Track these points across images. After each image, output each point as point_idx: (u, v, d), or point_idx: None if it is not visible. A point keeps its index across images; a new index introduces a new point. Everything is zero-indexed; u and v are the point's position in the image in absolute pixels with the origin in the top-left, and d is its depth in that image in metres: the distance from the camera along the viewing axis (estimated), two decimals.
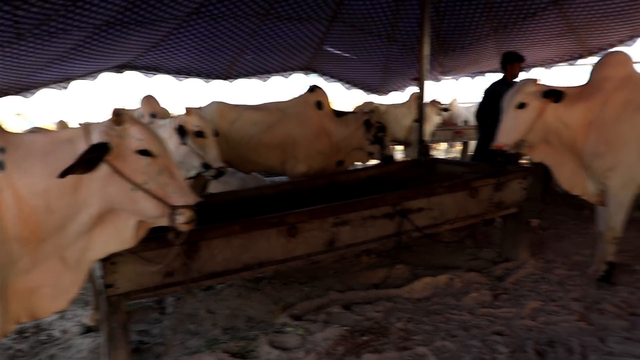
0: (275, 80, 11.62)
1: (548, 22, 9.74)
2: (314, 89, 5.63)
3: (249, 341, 3.54)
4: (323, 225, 3.67)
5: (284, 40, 9.83)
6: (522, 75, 6.40)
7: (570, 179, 4.18)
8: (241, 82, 11.28)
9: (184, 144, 4.26)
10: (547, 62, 11.60)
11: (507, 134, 3.91)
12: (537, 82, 3.96)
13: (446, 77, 12.00)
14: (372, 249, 4.92)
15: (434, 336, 3.48)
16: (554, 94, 3.83)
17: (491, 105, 5.69)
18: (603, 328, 3.47)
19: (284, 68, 11.42)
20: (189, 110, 4.40)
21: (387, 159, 5.52)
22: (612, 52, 4.20)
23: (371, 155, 5.57)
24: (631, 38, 10.23)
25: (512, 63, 6.40)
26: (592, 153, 3.91)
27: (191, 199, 2.60)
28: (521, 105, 3.89)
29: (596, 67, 4.09)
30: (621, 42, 10.31)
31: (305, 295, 4.30)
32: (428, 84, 11.14)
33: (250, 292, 4.39)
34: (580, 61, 11.15)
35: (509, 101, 3.97)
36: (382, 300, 4.04)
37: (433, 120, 10.28)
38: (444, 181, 5.06)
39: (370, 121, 5.44)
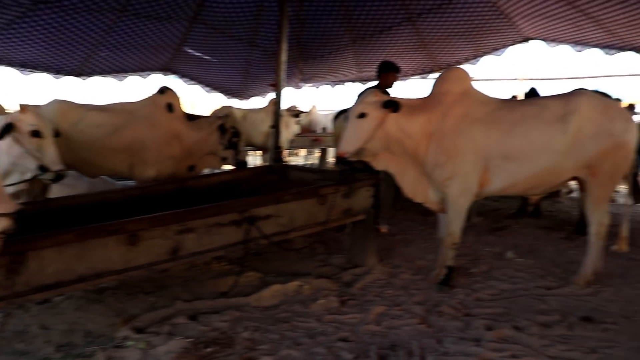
0: (133, 80, 11.15)
1: (403, 37, 10.23)
2: (164, 90, 5.40)
3: (84, 358, 3.29)
4: (166, 233, 3.51)
5: (142, 39, 9.44)
6: (396, 86, 6.59)
7: (413, 187, 4.39)
8: (96, 80, 10.69)
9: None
10: (402, 75, 12.12)
11: (348, 142, 4.08)
12: (377, 93, 4.13)
13: (307, 84, 12.17)
14: (223, 256, 4.82)
15: (280, 345, 3.44)
16: (392, 105, 4.02)
17: None
18: (441, 330, 3.64)
19: (142, 68, 10.98)
20: (24, 108, 4.02)
21: (241, 164, 5.45)
22: (452, 68, 4.48)
23: (225, 161, 5.48)
24: (475, 57, 11.05)
25: (387, 72, 6.42)
26: (433, 163, 4.14)
27: (8, 206, 2.36)
28: (361, 115, 4.07)
29: (437, 82, 4.33)
30: (467, 60, 11.09)
31: (150, 305, 4.09)
32: (288, 91, 11.29)
33: (90, 304, 4.09)
34: (431, 75, 11.85)
35: (352, 111, 4.11)
36: (230, 309, 3.95)
37: (291, 127, 10.35)
38: (295, 188, 5.13)
39: (225, 126, 5.35)
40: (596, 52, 10.00)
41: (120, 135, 5.22)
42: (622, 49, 9.68)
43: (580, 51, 10.15)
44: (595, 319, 3.76)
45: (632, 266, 5.08)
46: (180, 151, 5.32)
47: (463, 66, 8.61)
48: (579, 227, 6.36)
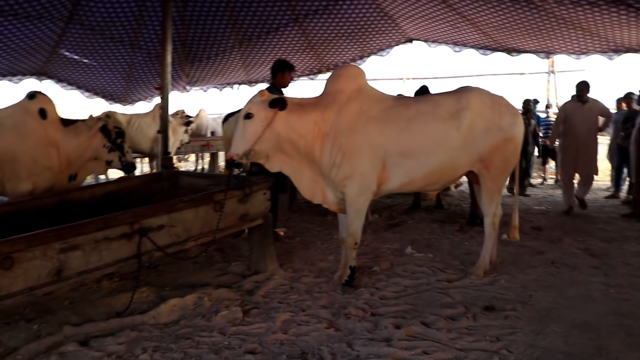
0: (3, 85, 10.29)
1: (290, 38, 10.16)
2: (34, 95, 4.85)
3: None
4: (47, 253, 3.14)
5: (10, 39, 8.65)
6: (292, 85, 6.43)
7: (310, 188, 4.27)
8: None
9: None
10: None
11: (236, 145, 3.95)
12: (263, 93, 4.01)
13: (194, 88, 11.78)
14: (114, 272, 4.44)
15: None
16: (278, 103, 3.91)
17: None
18: (350, 332, 3.53)
19: (12, 72, 10.11)
20: None
21: (128, 167, 5.06)
22: (346, 65, 4.42)
23: (110, 165, 5.02)
24: (361, 57, 11.22)
25: (283, 71, 6.24)
26: (329, 162, 4.04)
27: None
28: (248, 116, 3.95)
29: (330, 80, 4.25)
30: (353, 60, 11.24)
31: (34, 334, 3.65)
32: (175, 94, 10.83)
33: None
34: (320, 76, 11.90)
35: (241, 113, 4.00)
36: (126, 330, 3.60)
37: (179, 132, 9.97)
38: (187, 195, 4.85)
39: (108, 127, 4.94)
40: (473, 52, 10.50)
41: None
42: (495, 49, 10.22)
43: (458, 52, 10.61)
44: (496, 307, 3.84)
45: (522, 253, 5.31)
46: (58, 160, 4.84)
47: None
48: (471, 218, 6.60)
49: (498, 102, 4.30)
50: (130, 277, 4.60)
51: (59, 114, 4.96)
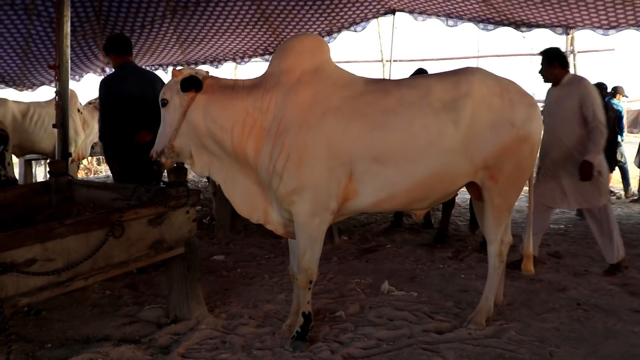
0: None
1: (237, 7, 9.67)
2: None
3: None
4: None
5: None
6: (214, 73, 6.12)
7: (246, 202, 3.82)
8: None
9: None
10: (239, 56, 11.68)
11: (157, 140, 3.69)
12: (180, 72, 3.62)
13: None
14: None
15: None
16: (192, 84, 3.50)
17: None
18: None
19: None
20: None
21: (8, 183, 4.46)
22: (298, 35, 3.95)
23: None
24: (329, 34, 10.82)
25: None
26: (269, 169, 3.54)
27: None
28: (163, 103, 3.64)
29: (277, 54, 3.76)
30: (319, 36, 10.78)
31: None
32: (91, 78, 10.26)
33: None
34: None
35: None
36: None
37: (92, 126, 9.41)
38: (83, 213, 4.33)
39: None
40: (471, 27, 10.17)
41: None
42: (499, 23, 9.90)
43: (452, 26, 10.28)
44: None
45: (537, 290, 4.92)
46: None
47: None
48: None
49: (508, 89, 3.85)
50: None
51: None
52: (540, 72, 5.59)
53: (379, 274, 5.31)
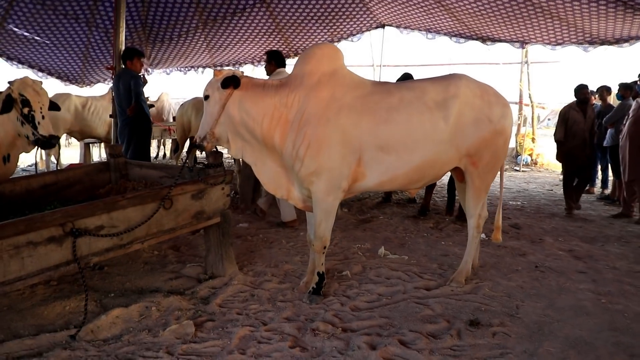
0: None
1: (257, 20, 9.57)
2: None
3: None
4: None
5: None
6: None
7: (272, 180, 3.72)
8: None
9: None
10: (257, 60, 11.53)
11: (201, 127, 3.61)
12: (221, 72, 3.51)
13: (156, 70, 11.06)
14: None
15: None
16: (230, 82, 3.43)
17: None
18: (318, 353, 2.97)
19: None
20: None
21: (43, 142, 3.96)
22: (319, 44, 3.84)
23: (31, 142, 3.99)
24: (331, 42, 10.67)
25: (131, 59, 6.28)
26: (292, 155, 3.47)
27: None
28: (206, 97, 3.56)
29: (300, 59, 3.66)
30: None
31: None
32: None
33: None
34: (288, 61, 11.30)
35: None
36: (57, 349, 3.00)
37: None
38: (137, 187, 4.25)
39: (12, 96, 3.92)
40: (446, 40, 10.04)
41: None
42: (469, 37, 9.79)
43: (431, 39, 10.15)
44: (482, 322, 3.34)
45: (503, 254, 4.86)
46: None
47: None
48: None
49: (487, 92, 3.77)
50: (70, 280, 4.01)
51: None
52: None
53: (375, 240, 5.24)
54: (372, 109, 3.49)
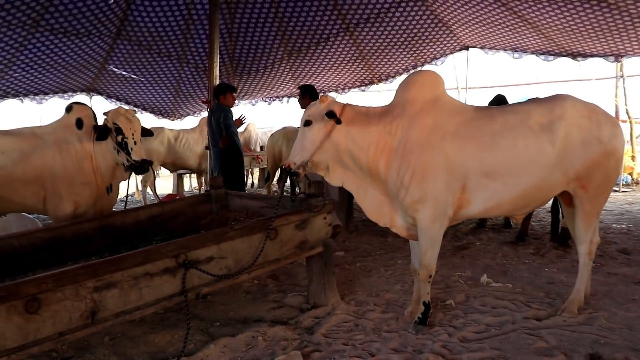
0: (54, 102, 10.23)
1: (340, 48, 9.70)
2: (71, 107, 4.37)
3: None
4: (79, 293, 2.66)
5: (60, 57, 8.51)
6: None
7: (375, 209, 3.68)
8: (10, 103, 9.65)
9: None
10: (341, 87, 11.66)
11: (294, 153, 3.56)
12: (324, 99, 3.54)
13: (242, 101, 11.42)
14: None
15: None
16: (333, 116, 3.44)
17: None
18: None
19: (63, 89, 10.03)
20: None
21: (136, 168, 4.21)
22: (420, 71, 3.82)
23: (125, 168, 4.28)
24: (414, 67, 10.65)
25: (224, 93, 6.56)
26: (397, 182, 3.45)
27: None
28: (307, 123, 3.53)
29: (401, 87, 3.64)
30: (406, 70, 10.69)
31: None
32: None
33: None
34: (371, 87, 11.37)
35: (301, 119, 3.59)
36: None
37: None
38: (239, 218, 4.34)
39: (107, 126, 4.21)
40: (533, 58, 9.77)
41: (29, 164, 4.24)
42: (559, 54, 9.48)
43: (518, 58, 9.91)
44: (604, 356, 3.14)
45: (615, 282, 4.56)
46: (93, 173, 4.33)
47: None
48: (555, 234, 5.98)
49: (595, 112, 3.61)
50: (175, 308, 4.13)
51: (95, 122, 4.45)
52: None
53: (475, 268, 5.08)
54: (475, 134, 3.42)
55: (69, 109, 4.40)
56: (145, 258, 2.91)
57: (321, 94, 5.75)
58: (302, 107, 6.45)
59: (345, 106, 3.53)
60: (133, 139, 4.21)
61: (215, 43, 6.78)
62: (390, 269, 5.13)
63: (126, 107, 10.52)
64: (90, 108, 4.50)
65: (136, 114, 4.44)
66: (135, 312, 2.93)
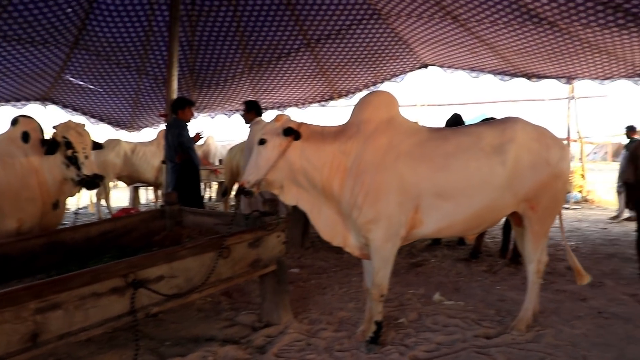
0: (6, 110, 9.98)
1: (301, 64, 9.75)
2: (16, 120, 4.23)
3: None
4: (21, 314, 2.57)
5: (14, 65, 8.29)
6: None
7: (329, 228, 3.66)
8: None
9: None
10: (301, 102, 11.70)
11: (249, 171, 3.51)
12: (282, 118, 3.53)
13: (201, 114, 11.34)
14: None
15: None
16: (292, 132, 3.42)
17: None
18: None
19: (16, 97, 9.75)
20: None
21: (87, 182, 4.11)
22: (375, 91, 3.84)
23: (74, 183, 4.16)
24: (374, 84, 10.78)
25: (183, 108, 6.46)
26: (350, 202, 3.45)
27: None
28: (261, 142, 3.49)
29: (357, 107, 3.67)
30: (366, 86, 10.80)
31: None
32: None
33: None
34: (331, 103, 11.44)
35: (255, 137, 3.60)
36: None
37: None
38: (192, 235, 4.30)
39: (56, 139, 4.09)
40: (490, 78, 10.01)
41: None
42: (514, 75, 9.74)
43: (476, 77, 10.13)
44: None
45: (562, 299, 4.68)
46: (38, 188, 4.14)
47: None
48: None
49: (544, 135, 3.71)
50: (125, 327, 4.03)
51: (42, 135, 4.29)
52: None
53: (429, 285, 5.12)
54: (429, 155, 3.47)
55: (14, 121, 4.25)
56: (93, 277, 2.84)
57: (279, 112, 5.77)
58: (246, 122, 6.56)
59: (300, 125, 3.53)
60: (84, 153, 4.12)
61: (175, 55, 6.72)
62: (344, 286, 5.13)
63: (83, 117, 10.40)
64: (37, 121, 4.36)
65: (92, 125, 4.36)
66: (80, 333, 2.85)
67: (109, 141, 9.54)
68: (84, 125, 4.25)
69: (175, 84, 6.54)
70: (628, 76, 8.72)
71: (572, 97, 12.00)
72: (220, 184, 11.60)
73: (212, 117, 11.86)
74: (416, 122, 3.75)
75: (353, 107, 3.73)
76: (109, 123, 10.92)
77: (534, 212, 3.68)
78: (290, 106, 11.88)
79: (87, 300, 2.82)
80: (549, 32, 7.40)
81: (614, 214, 10.21)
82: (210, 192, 13.98)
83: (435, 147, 3.50)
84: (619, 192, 10.14)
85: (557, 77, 9.54)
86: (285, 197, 3.64)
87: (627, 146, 10.21)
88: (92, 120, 10.65)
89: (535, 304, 4.03)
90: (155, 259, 3.13)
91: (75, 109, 10.36)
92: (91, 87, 9.73)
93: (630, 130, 10.09)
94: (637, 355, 3.51)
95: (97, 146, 4.33)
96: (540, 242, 3.81)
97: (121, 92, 9.88)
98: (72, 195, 4.36)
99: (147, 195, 13.55)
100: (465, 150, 3.50)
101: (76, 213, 4.96)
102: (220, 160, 12.05)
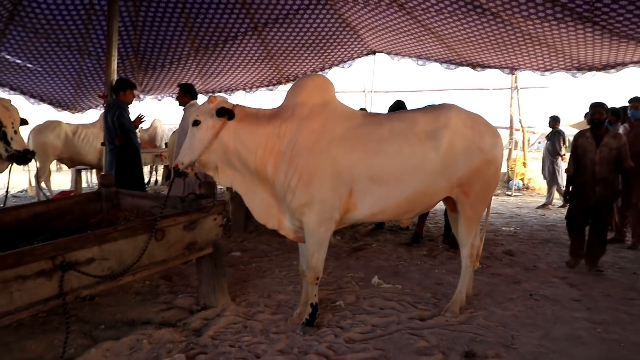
0: None
1: (249, 47, 9.65)
2: None
3: None
4: None
5: None
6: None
7: (263, 211, 3.66)
8: None
9: None
10: (249, 87, 11.60)
11: (183, 152, 3.47)
12: (213, 99, 3.48)
13: (148, 96, 11.09)
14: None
15: None
16: (225, 112, 3.38)
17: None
18: None
19: None
20: None
21: (21, 157, 3.99)
22: (311, 75, 3.83)
23: (4, 158, 4.00)
24: (322, 69, 10.78)
25: (124, 89, 6.33)
26: (284, 186, 3.45)
27: None
28: (195, 123, 3.45)
29: (291, 90, 3.65)
30: (314, 71, 10.77)
31: None
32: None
33: None
34: (279, 87, 11.39)
35: (189, 118, 3.52)
36: None
37: None
38: (129, 217, 4.21)
39: None
40: (437, 66, 10.17)
41: None
42: (460, 64, 9.91)
43: (422, 65, 10.25)
44: (477, 354, 3.30)
45: (497, 282, 4.83)
46: None
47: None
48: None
49: (478, 122, 3.79)
50: (59, 312, 3.94)
51: None
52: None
53: (368, 269, 5.19)
54: (363, 140, 3.49)
55: None
56: (16, 260, 2.75)
57: (212, 94, 5.70)
58: (180, 105, 6.46)
59: (235, 107, 3.50)
60: (13, 128, 3.98)
61: (114, 34, 6.53)
62: (285, 269, 5.15)
63: (22, 97, 10.01)
64: None
65: (32, 106, 4.20)
66: (4, 317, 2.76)
67: (49, 122, 9.24)
68: (10, 100, 4.10)
69: (115, 65, 6.37)
70: (567, 69, 9.01)
71: (516, 88, 12.32)
72: (165, 167, 11.42)
73: (159, 100, 11.63)
74: (351, 107, 3.75)
75: (288, 90, 3.72)
76: (50, 104, 10.55)
77: (467, 198, 3.76)
78: (238, 90, 11.77)
79: (11, 283, 2.73)
80: (492, 23, 7.56)
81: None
82: (156, 175, 13.75)
83: (369, 132, 3.53)
84: (548, 183, 10.43)
85: (500, 67, 9.78)
86: (220, 178, 3.61)
87: (548, 136, 10.59)
88: (32, 100, 10.26)
89: (469, 287, 4.14)
90: (84, 240, 3.05)
91: (13, 89, 9.95)
92: (29, 65, 9.35)
93: (554, 120, 10.44)
94: (561, 334, 3.66)
95: (22, 122, 4.18)
96: (473, 226, 3.90)
97: (62, 72, 9.54)
98: (1, 171, 4.20)
99: (90, 178, 13.21)
100: (399, 135, 3.54)
101: (7, 193, 4.75)
102: (166, 144, 11.85)
